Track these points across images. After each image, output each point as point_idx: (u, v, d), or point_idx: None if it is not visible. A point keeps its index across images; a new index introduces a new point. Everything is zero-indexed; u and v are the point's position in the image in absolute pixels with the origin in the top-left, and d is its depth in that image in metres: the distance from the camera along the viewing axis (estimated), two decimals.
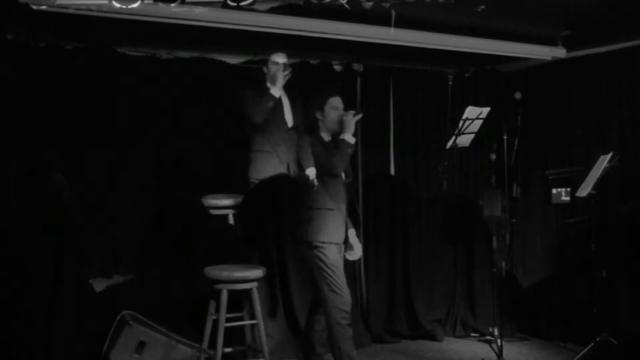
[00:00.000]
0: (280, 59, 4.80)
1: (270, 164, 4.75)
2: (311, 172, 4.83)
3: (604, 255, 4.85)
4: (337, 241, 3.88)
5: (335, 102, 3.98)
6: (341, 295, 3.76)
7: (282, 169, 4.75)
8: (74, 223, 4.11)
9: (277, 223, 4.57)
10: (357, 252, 4.11)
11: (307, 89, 5.50)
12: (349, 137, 3.89)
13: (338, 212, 3.88)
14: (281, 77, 4.70)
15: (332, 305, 3.74)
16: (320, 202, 3.86)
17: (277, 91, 4.73)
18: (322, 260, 3.78)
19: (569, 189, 5.69)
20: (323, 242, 3.80)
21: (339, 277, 3.78)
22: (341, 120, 3.91)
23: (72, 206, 4.16)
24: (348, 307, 3.79)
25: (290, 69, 4.78)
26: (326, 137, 3.98)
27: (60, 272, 3.88)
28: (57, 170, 4.24)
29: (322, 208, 3.85)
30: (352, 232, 4.07)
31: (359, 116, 3.96)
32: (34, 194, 4.03)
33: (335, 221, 3.87)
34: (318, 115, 3.98)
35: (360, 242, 4.23)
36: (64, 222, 4.02)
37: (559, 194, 5.77)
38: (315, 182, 4.64)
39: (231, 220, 4.82)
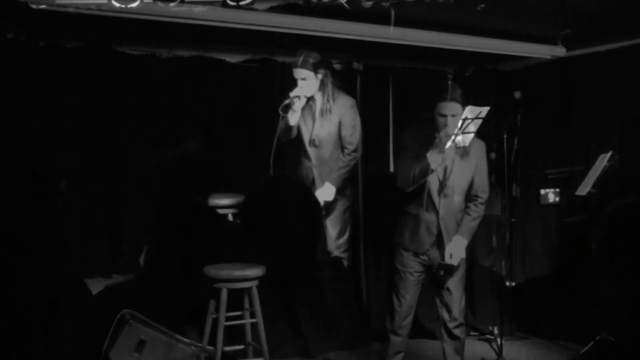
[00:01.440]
0: (299, 74, 4.54)
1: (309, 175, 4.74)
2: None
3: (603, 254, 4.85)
4: (413, 249, 3.71)
5: (444, 108, 3.53)
6: (398, 300, 3.76)
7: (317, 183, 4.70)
8: (71, 224, 4.12)
9: (278, 222, 4.57)
10: (452, 260, 3.67)
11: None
12: (433, 159, 3.45)
13: (423, 219, 3.65)
14: (294, 106, 4.51)
15: (391, 308, 3.81)
16: (405, 206, 3.69)
17: (294, 119, 4.55)
18: (394, 263, 3.78)
19: (557, 190, 5.70)
20: (398, 246, 3.76)
21: (403, 286, 3.74)
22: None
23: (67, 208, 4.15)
24: (398, 316, 3.78)
25: (304, 97, 4.51)
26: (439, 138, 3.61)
27: (60, 272, 3.88)
28: (62, 175, 4.25)
29: (406, 213, 3.70)
30: (456, 240, 3.70)
31: (449, 138, 3.44)
32: (33, 194, 4.04)
33: (415, 228, 3.67)
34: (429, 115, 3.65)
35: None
36: (63, 222, 4.02)
37: (547, 195, 5.76)
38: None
39: (230, 220, 4.82)
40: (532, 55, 6.04)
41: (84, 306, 3.96)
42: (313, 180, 4.70)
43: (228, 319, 3.82)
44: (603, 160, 4.73)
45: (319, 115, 4.65)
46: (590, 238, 4.79)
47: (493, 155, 6.10)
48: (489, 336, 5.07)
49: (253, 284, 3.86)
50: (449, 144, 3.45)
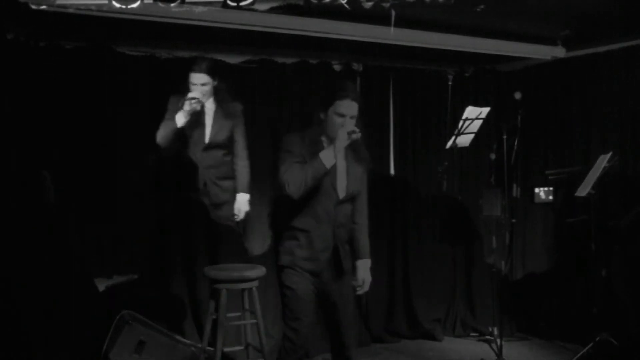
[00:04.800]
0: (198, 79, 4.37)
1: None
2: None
3: (604, 255, 4.85)
4: (309, 269, 3.22)
5: (343, 107, 3.18)
6: (293, 328, 3.21)
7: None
8: (65, 222, 4.11)
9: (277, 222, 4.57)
10: (365, 287, 3.38)
11: (306, 89, 5.51)
12: (326, 157, 3.12)
13: (317, 233, 3.24)
14: (188, 107, 4.29)
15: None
16: (293, 219, 3.27)
17: (180, 118, 4.32)
18: (283, 282, 3.27)
19: (551, 188, 5.71)
20: (287, 267, 3.25)
21: (297, 308, 3.21)
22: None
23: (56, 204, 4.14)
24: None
25: (196, 99, 4.28)
26: (326, 142, 3.27)
27: (60, 272, 3.88)
28: (45, 169, 4.23)
29: (294, 227, 3.27)
30: (364, 264, 3.40)
31: (356, 135, 3.16)
32: (32, 194, 4.03)
33: (309, 244, 3.23)
34: (322, 116, 3.26)
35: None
36: (60, 220, 4.02)
37: (539, 193, 5.77)
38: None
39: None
40: (532, 56, 6.04)
41: (84, 306, 3.96)
42: (205, 185, 4.49)
43: (228, 319, 3.82)
44: (603, 161, 4.73)
45: (218, 112, 4.53)
46: (590, 238, 4.80)
47: (493, 156, 6.11)
48: (488, 337, 5.08)
49: (253, 285, 3.86)
50: (345, 143, 3.16)
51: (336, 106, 3.18)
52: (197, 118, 4.41)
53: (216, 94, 4.49)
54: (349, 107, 3.19)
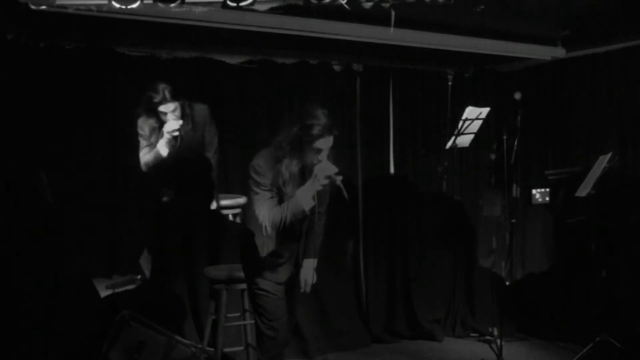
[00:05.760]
0: (169, 108, 4.19)
1: None
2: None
3: (603, 255, 4.85)
4: (275, 280, 3.29)
5: (321, 144, 3.00)
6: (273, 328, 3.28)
7: None
8: (60, 223, 4.11)
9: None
10: (307, 288, 3.38)
11: (306, 89, 5.51)
12: (305, 201, 2.99)
13: (285, 251, 3.30)
14: (166, 137, 4.19)
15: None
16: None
17: (164, 149, 4.24)
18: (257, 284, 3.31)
19: (547, 190, 5.72)
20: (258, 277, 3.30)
21: (272, 309, 3.26)
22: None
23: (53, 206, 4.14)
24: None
25: (178, 130, 4.19)
26: (299, 167, 3.09)
27: (60, 272, 3.88)
28: (44, 169, 4.23)
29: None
30: (308, 264, 3.37)
31: (336, 178, 2.99)
32: (30, 194, 4.03)
33: (275, 262, 3.28)
34: (284, 147, 3.06)
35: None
36: (58, 221, 4.02)
37: (536, 195, 5.78)
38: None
39: (231, 220, 4.82)
40: (532, 56, 6.05)
41: (84, 306, 3.96)
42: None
43: (228, 319, 3.82)
44: (603, 161, 4.73)
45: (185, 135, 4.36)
46: (590, 238, 4.80)
47: (493, 156, 6.12)
48: (488, 337, 5.07)
49: None
50: (326, 181, 3.01)
51: (315, 144, 2.99)
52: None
53: (182, 109, 4.29)
54: (327, 142, 3.03)
